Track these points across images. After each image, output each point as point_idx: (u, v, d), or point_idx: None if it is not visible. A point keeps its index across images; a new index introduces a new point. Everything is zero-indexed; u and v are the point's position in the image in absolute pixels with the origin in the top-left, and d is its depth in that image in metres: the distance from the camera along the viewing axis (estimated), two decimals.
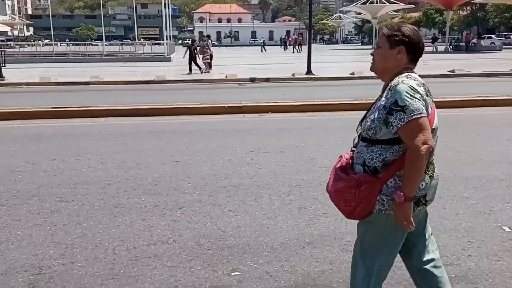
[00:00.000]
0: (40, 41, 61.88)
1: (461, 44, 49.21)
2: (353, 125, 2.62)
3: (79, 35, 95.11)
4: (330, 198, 2.41)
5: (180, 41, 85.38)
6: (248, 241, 3.89)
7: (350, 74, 18.42)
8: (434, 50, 43.64)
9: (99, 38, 72.70)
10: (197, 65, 21.11)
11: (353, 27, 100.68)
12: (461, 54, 38.91)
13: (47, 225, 4.23)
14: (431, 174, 2.28)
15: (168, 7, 49.82)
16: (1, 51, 22.93)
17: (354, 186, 2.24)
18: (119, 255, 3.64)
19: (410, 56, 2.30)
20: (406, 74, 2.26)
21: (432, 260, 2.46)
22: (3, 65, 20.85)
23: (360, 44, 78.71)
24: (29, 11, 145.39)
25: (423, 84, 2.25)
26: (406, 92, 2.15)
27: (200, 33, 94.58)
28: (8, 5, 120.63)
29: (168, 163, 6.17)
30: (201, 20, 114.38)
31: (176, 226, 4.18)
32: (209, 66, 21.76)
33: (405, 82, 2.19)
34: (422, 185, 2.22)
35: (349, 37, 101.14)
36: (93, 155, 6.64)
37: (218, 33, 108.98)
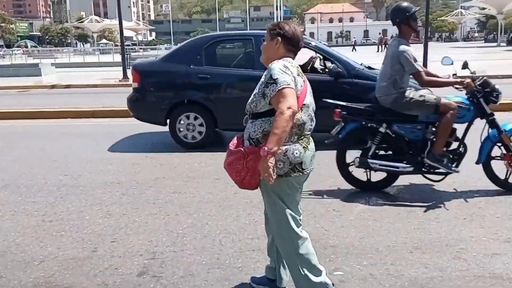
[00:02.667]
0: (161, 45, 66.11)
1: None
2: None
3: None
4: (227, 173, 2.72)
5: None
6: (352, 241, 3.82)
7: (472, 72, 17.23)
8: None
9: None
10: None
11: (475, 24, 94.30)
12: None
13: (161, 214, 4.51)
14: (304, 146, 2.66)
15: (280, 9, 50.54)
16: (126, 54, 24.77)
17: (242, 157, 2.59)
18: (225, 246, 3.77)
19: (287, 47, 2.72)
20: (283, 59, 2.67)
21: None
22: (128, 67, 22.58)
23: (483, 41, 73.35)
24: (152, 17, 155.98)
25: (297, 67, 2.68)
26: (279, 68, 2.56)
27: (311, 34, 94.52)
28: (134, 12, 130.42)
29: None
30: (312, 20, 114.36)
31: None
32: None
33: (279, 62, 2.62)
34: (296, 153, 2.61)
35: (470, 34, 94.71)
36: (204, 152, 6.95)
37: (329, 33, 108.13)
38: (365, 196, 4.86)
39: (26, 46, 69.24)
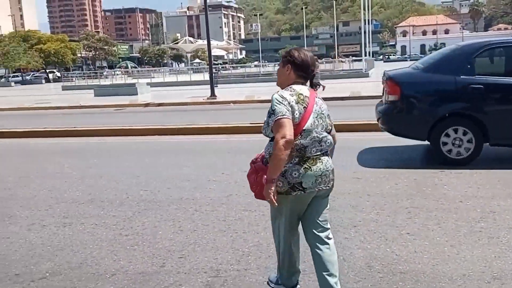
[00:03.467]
0: (250, 63, 67.79)
1: None
2: None
3: None
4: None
5: (381, 57, 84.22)
6: (423, 268, 3.59)
7: None
8: None
9: None
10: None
11: None
12: None
13: (230, 232, 4.55)
14: (307, 167, 2.86)
15: (369, 23, 49.71)
16: (214, 72, 25.61)
17: (254, 172, 2.95)
18: None
19: (297, 73, 2.95)
20: (289, 87, 2.91)
21: (318, 240, 3.04)
22: (216, 85, 23.31)
23: None
24: (242, 36, 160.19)
25: (300, 94, 2.86)
26: (276, 99, 2.82)
27: (403, 47, 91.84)
28: (225, 32, 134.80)
29: (349, 180, 6.10)
30: (404, 33, 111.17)
31: (347, 244, 4.09)
32: None
33: (279, 93, 2.87)
34: (294, 174, 2.84)
35: None
36: None
37: (422, 46, 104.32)
38: (443, 219, 4.57)
39: (126, 67, 74.07)
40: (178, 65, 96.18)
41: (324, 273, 2.97)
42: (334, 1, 76.90)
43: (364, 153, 7.78)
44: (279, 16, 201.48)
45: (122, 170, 7.52)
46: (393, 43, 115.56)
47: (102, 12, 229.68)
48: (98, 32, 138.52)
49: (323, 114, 2.93)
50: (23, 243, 4.49)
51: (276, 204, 2.79)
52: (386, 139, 8.03)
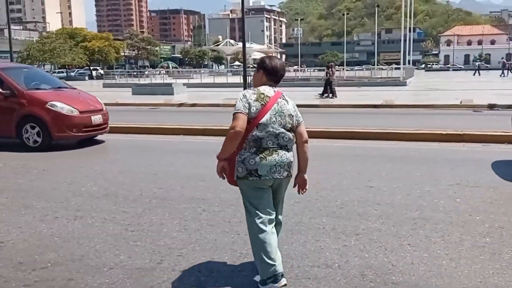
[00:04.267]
0: (289, 67, 67.84)
1: None
2: None
3: (325, 61, 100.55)
4: None
5: (423, 65, 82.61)
6: (417, 280, 3.53)
7: None
8: None
9: (343, 64, 75.57)
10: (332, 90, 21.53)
11: None
12: None
13: (232, 233, 4.59)
14: (262, 156, 3.31)
15: (411, 31, 48.89)
16: (249, 75, 25.71)
17: (228, 160, 3.43)
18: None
19: (268, 77, 3.47)
20: (257, 87, 3.44)
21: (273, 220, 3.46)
22: (249, 88, 23.41)
23: None
24: (283, 40, 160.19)
25: (261, 94, 3.35)
26: (239, 97, 3.36)
27: (446, 56, 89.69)
28: (266, 36, 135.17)
29: (362, 188, 6.04)
30: (448, 43, 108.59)
31: (346, 252, 4.06)
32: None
33: (243, 91, 3.42)
34: (251, 162, 3.31)
35: None
36: (293, 174, 6.92)
37: (466, 56, 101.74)
38: (448, 232, 4.47)
39: (167, 67, 75.37)
40: (218, 67, 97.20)
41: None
42: (376, 8, 75.97)
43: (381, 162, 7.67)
44: (322, 21, 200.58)
45: (142, 167, 7.69)
46: (436, 52, 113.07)
47: (148, 13, 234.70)
48: (142, 32, 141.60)
49: (283, 113, 3.36)
50: (33, 233, 4.66)
51: (223, 178, 3.52)
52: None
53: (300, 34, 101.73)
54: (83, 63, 66.96)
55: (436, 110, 16.37)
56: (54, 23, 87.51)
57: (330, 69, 22.28)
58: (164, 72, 58.62)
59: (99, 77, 63.47)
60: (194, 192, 6.06)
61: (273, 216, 3.44)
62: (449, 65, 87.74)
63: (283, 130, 3.33)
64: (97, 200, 5.77)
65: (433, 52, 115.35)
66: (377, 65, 60.43)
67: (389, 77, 36.73)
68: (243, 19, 21.50)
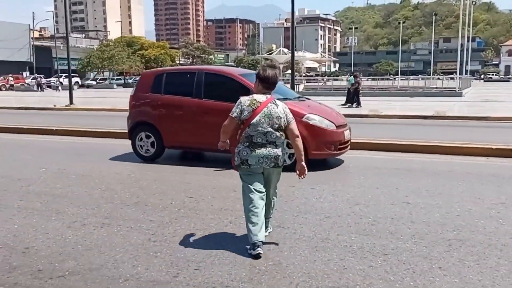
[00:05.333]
0: (343, 76, 67.15)
1: None
2: None
3: (379, 70, 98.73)
4: None
5: (482, 76, 79.39)
6: None
7: None
8: None
9: (398, 73, 73.93)
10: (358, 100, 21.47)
11: None
12: None
13: None
14: (252, 149, 4.20)
15: (470, 41, 47.12)
16: (296, 84, 25.55)
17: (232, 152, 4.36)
18: None
19: (262, 85, 4.27)
20: (254, 94, 4.28)
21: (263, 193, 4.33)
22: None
23: None
24: (338, 49, 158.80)
25: (254, 100, 4.19)
26: (236, 103, 4.23)
27: (507, 67, 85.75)
28: (320, 44, 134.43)
29: (398, 204, 5.74)
30: (510, 53, 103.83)
31: (370, 273, 3.82)
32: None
33: (240, 99, 4.25)
34: (243, 153, 4.23)
35: None
36: (328, 187, 6.71)
37: None
38: (484, 256, 4.12)
39: None
40: None
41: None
42: (434, 16, 73.82)
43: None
44: (378, 30, 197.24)
45: (178, 175, 7.68)
46: (497, 62, 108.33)
47: (205, 22, 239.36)
48: (199, 40, 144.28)
49: (271, 115, 4.16)
50: (58, 240, 4.70)
51: (222, 149, 4.47)
52: None
53: (355, 43, 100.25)
54: (139, 71, 68.98)
55: (490, 122, 15.53)
56: (114, 32, 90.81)
57: (357, 78, 22.34)
58: None
59: None
60: (224, 203, 5.96)
61: (263, 191, 4.29)
62: (509, 76, 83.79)
63: (271, 129, 4.17)
64: (127, 208, 5.78)
65: (494, 62, 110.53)
66: (434, 74, 58.50)
67: (444, 87, 35.47)
68: (292, 28, 21.38)
